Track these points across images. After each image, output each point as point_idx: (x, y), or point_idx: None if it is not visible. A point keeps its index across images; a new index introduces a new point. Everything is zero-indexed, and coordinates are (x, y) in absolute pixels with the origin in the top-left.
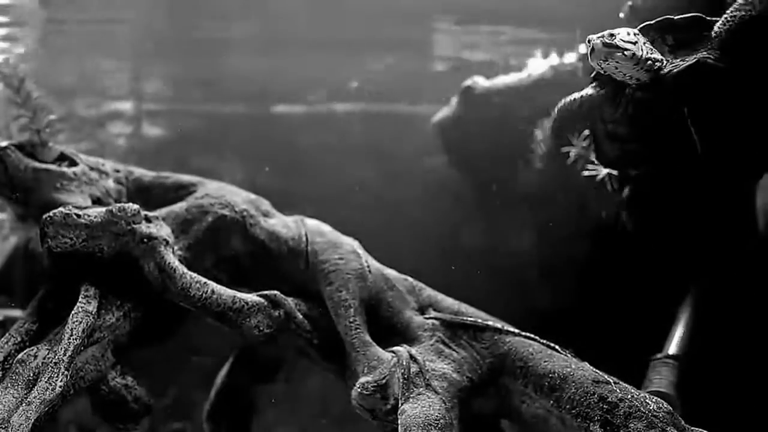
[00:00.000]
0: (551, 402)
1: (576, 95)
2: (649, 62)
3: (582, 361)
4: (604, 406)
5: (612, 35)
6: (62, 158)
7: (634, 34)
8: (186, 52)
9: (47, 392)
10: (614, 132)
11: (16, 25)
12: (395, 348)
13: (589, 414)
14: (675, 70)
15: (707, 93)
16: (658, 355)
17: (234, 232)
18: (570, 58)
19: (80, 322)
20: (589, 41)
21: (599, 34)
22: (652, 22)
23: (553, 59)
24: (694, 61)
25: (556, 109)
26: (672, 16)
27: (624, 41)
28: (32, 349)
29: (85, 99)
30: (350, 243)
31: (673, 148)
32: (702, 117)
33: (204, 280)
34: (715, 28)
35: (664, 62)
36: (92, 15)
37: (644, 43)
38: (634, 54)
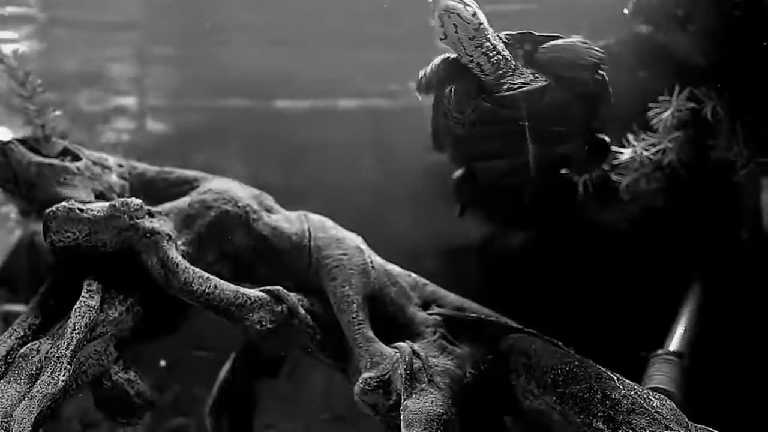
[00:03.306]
0: (554, 398)
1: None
2: (493, 51)
3: (585, 358)
4: (607, 403)
5: None
6: (65, 153)
7: (481, 14)
8: (190, 47)
9: (50, 386)
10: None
11: (20, 20)
12: (398, 344)
13: (592, 410)
14: (523, 88)
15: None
16: (659, 352)
17: (237, 227)
18: None
19: (83, 317)
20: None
21: None
22: (515, 33)
23: None
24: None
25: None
26: (533, 32)
27: (468, 2)
28: (35, 344)
29: (88, 94)
30: (353, 239)
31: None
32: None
33: (206, 275)
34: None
35: (510, 65)
36: (96, 9)
37: (491, 30)
38: (475, 14)
